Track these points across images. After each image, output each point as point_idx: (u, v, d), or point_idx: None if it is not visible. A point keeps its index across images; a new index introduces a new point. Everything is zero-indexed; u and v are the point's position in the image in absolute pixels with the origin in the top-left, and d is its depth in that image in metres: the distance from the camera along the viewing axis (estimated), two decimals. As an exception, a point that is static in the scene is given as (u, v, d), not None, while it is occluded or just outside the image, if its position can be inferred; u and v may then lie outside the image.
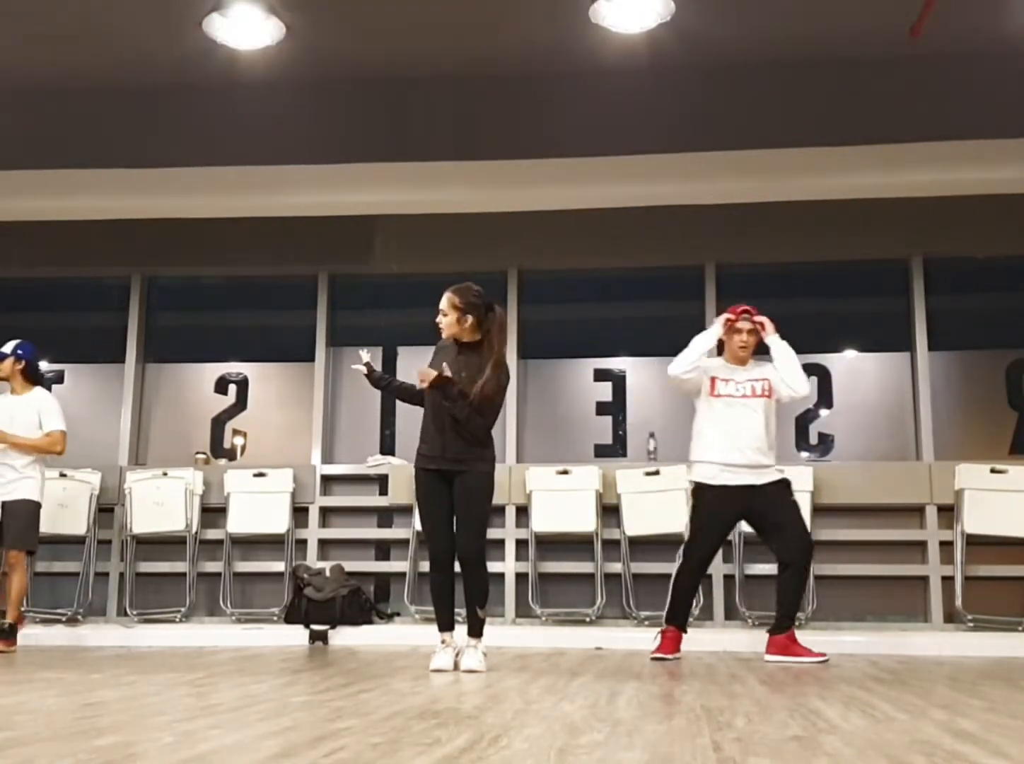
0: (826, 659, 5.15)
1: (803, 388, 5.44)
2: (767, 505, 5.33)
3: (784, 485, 5.39)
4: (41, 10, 6.46)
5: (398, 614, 7.16)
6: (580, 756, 2.25)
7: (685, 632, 5.52)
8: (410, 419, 6.76)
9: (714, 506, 5.36)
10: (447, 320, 4.67)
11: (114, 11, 6.47)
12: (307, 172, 7.34)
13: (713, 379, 5.46)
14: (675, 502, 6.96)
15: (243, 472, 7.46)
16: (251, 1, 6.34)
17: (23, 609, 6.32)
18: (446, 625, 4.60)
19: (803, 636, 6.33)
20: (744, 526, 6.84)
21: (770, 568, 6.96)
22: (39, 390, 6.15)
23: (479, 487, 4.55)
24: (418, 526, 6.96)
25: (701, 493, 5.42)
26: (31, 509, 5.90)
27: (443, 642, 4.57)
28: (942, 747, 2.42)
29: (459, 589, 4.61)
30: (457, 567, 4.58)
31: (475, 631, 4.55)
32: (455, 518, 4.55)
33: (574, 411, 7.91)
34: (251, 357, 8.35)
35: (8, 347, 6.11)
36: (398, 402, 8.02)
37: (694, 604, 5.84)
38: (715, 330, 5.49)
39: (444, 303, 4.68)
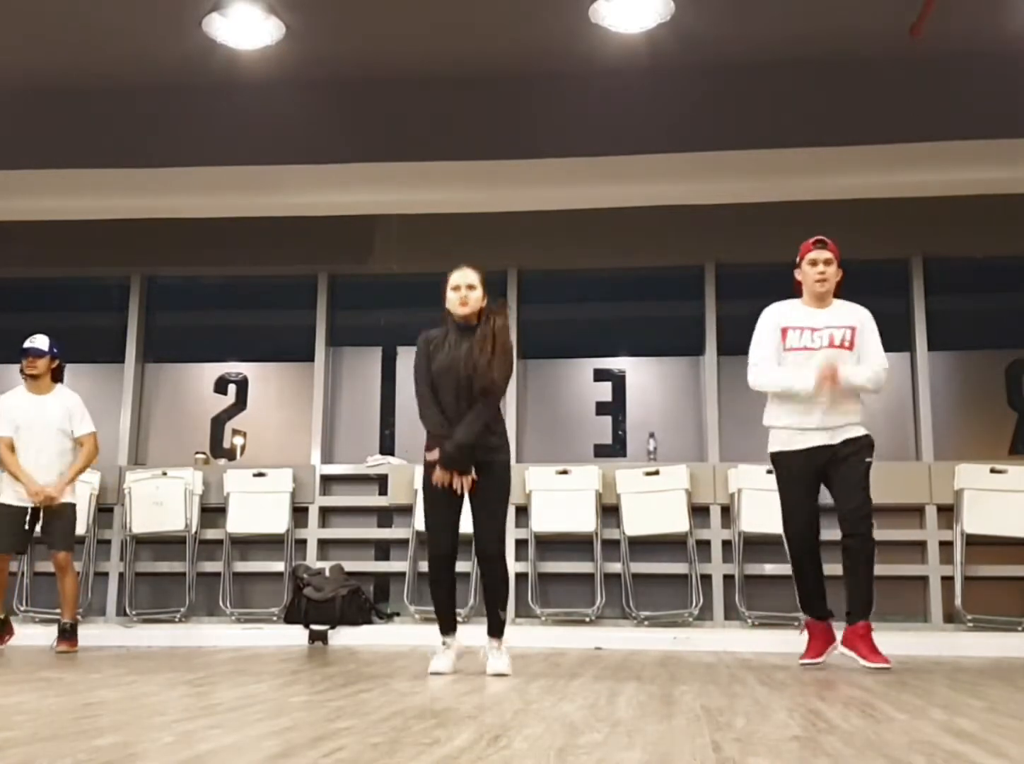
0: (888, 666, 4.57)
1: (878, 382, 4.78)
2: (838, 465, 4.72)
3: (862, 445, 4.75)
4: (41, 10, 6.47)
5: (398, 614, 7.16)
6: (580, 756, 2.25)
7: (830, 618, 4.93)
8: (410, 418, 6.77)
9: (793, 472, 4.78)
10: (476, 295, 4.37)
11: (114, 11, 6.47)
12: (307, 172, 7.35)
13: (784, 330, 4.75)
14: (675, 502, 6.97)
15: (243, 472, 7.46)
16: (251, 1, 6.35)
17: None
18: (449, 628, 4.48)
19: (804, 636, 6.35)
20: (744, 526, 6.87)
21: (771, 568, 6.99)
22: (65, 389, 6.06)
23: (502, 479, 4.36)
24: (419, 526, 6.96)
25: (777, 461, 4.88)
26: (73, 511, 5.92)
27: (444, 644, 4.46)
28: (942, 747, 2.42)
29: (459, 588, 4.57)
30: (460, 566, 4.51)
31: (497, 631, 4.42)
32: (475, 512, 4.34)
33: (574, 411, 7.92)
34: (251, 357, 8.35)
35: (43, 343, 5.95)
36: (398, 401, 8.07)
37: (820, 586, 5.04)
38: (805, 385, 4.67)
39: (474, 277, 4.40)
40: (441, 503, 4.33)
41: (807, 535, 4.82)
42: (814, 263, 4.75)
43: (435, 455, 4.28)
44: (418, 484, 7.07)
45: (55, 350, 5.97)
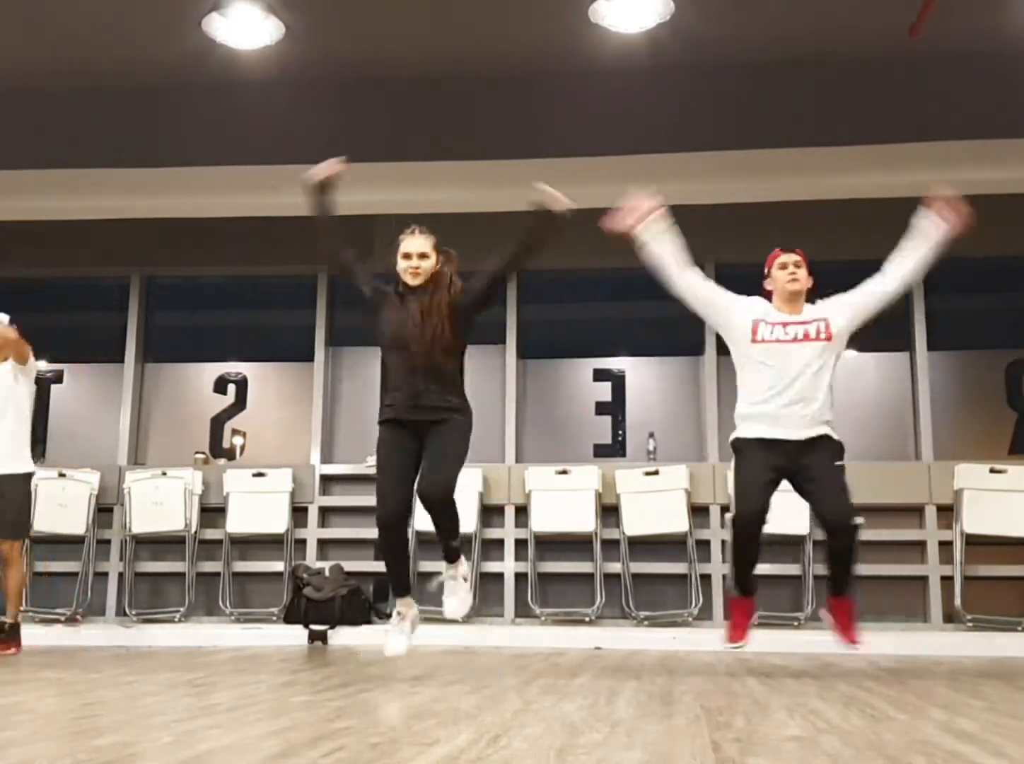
0: (856, 648, 4.54)
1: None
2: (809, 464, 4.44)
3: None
4: (41, 10, 6.46)
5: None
6: (579, 756, 2.25)
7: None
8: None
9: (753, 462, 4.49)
10: (428, 264, 4.22)
11: (114, 11, 6.47)
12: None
13: (756, 323, 4.52)
14: (674, 502, 6.97)
15: (242, 472, 7.46)
16: (251, 1, 6.34)
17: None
18: (404, 588, 4.28)
19: (803, 636, 6.36)
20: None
21: (771, 568, 6.98)
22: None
23: (459, 432, 4.16)
24: (419, 526, 6.95)
25: (737, 448, 4.60)
26: (24, 487, 5.40)
27: (399, 614, 4.27)
28: (942, 747, 2.42)
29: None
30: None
31: (453, 556, 4.29)
32: (424, 463, 4.16)
33: (573, 411, 7.91)
34: (250, 357, 8.36)
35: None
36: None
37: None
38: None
39: (426, 244, 4.24)
40: (397, 460, 4.22)
41: (756, 521, 4.43)
42: (784, 266, 4.60)
43: (383, 410, 4.24)
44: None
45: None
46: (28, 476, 5.49)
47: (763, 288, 4.72)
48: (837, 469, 4.41)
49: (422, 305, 4.17)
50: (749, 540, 4.47)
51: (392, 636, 4.22)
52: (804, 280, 4.59)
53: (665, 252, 4.72)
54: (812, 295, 4.70)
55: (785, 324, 4.51)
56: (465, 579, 4.28)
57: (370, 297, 4.31)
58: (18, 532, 5.45)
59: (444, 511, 4.19)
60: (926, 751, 2.35)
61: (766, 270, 4.71)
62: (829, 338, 4.48)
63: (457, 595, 4.18)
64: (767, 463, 4.38)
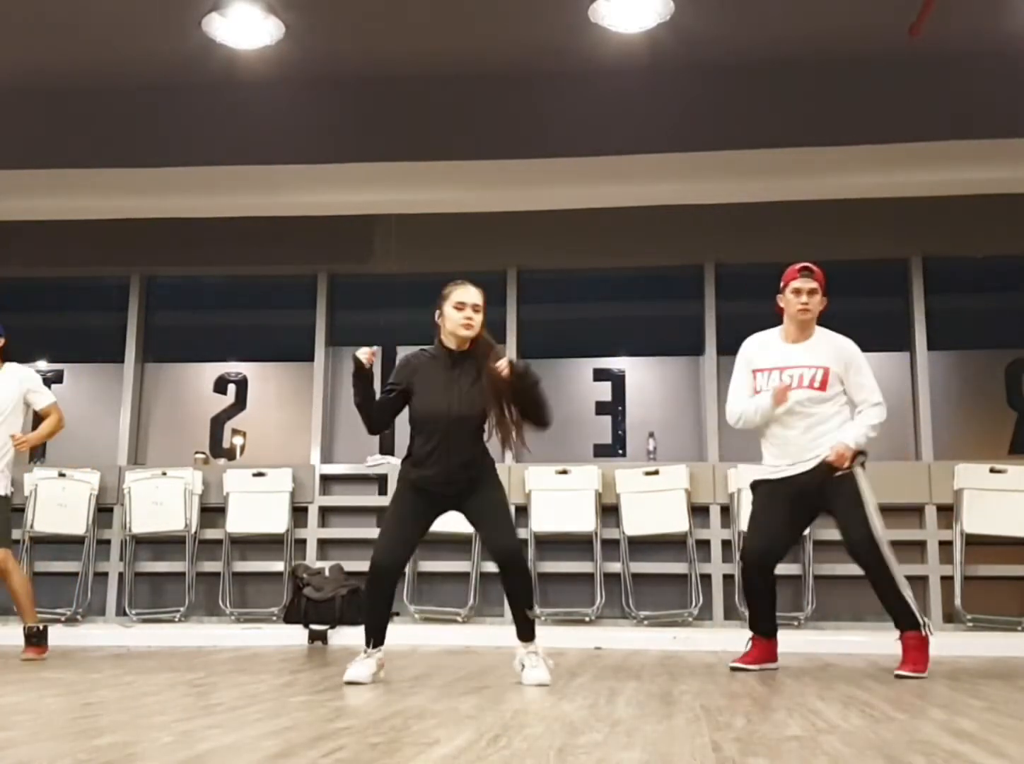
0: (910, 674, 4.25)
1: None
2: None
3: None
4: (40, 10, 6.46)
5: (397, 614, 7.14)
6: (580, 756, 2.25)
7: (774, 636, 4.70)
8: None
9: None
10: (480, 319, 4.06)
11: (114, 11, 6.47)
12: (307, 172, 7.34)
13: (755, 374, 4.60)
14: (674, 502, 6.97)
15: (242, 472, 7.46)
16: (251, 1, 6.34)
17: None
18: (379, 639, 4.06)
19: (803, 636, 6.35)
20: (744, 526, 6.85)
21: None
22: (15, 365, 5.59)
23: (499, 487, 4.13)
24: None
25: (754, 488, 4.73)
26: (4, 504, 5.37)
27: (366, 653, 4.04)
28: (941, 747, 2.42)
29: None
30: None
31: (529, 634, 4.09)
32: (480, 520, 4.09)
33: (574, 411, 7.91)
34: (250, 357, 8.36)
35: None
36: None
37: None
38: (765, 404, 4.53)
39: (480, 298, 4.08)
40: (410, 520, 4.06)
41: (760, 559, 4.55)
42: (798, 293, 4.52)
43: (411, 471, 4.07)
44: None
45: (0, 329, 5.52)
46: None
47: (776, 303, 4.68)
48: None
49: (468, 377, 4.04)
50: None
51: (358, 665, 3.98)
52: (816, 308, 4.56)
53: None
54: (821, 318, 4.66)
55: (783, 370, 4.53)
56: (539, 653, 4.06)
57: (406, 388, 4.10)
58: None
59: (524, 573, 4.11)
60: (926, 751, 2.36)
61: (781, 285, 4.64)
62: (823, 388, 4.48)
63: (539, 668, 3.98)
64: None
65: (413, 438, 4.11)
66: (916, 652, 4.32)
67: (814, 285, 4.53)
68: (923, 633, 4.35)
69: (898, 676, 4.21)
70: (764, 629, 4.64)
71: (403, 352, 8.17)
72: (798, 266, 4.59)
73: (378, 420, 4.13)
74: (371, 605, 4.09)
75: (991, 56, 6.67)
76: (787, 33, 6.68)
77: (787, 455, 4.53)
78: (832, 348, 4.55)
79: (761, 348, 4.64)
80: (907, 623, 4.37)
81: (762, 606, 4.65)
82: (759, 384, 4.55)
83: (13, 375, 5.52)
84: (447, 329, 4.09)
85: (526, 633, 4.07)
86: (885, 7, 6.34)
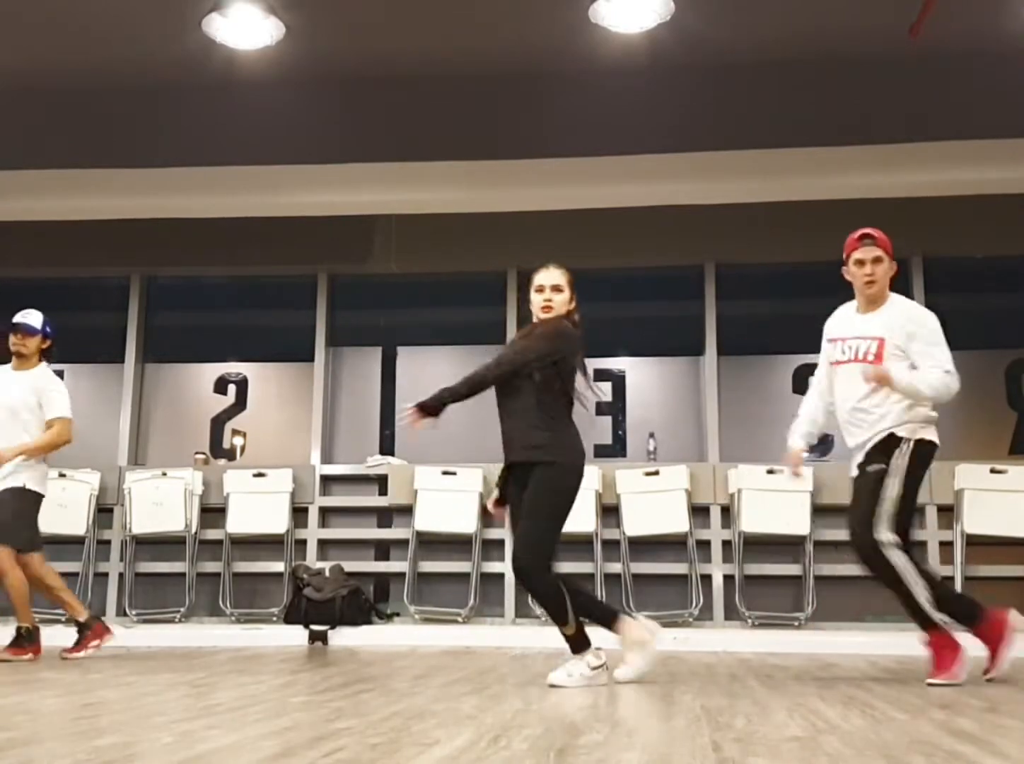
0: (941, 682, 3.94)
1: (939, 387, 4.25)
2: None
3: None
4: (40, 10, 6.47)
5: (397, 614, 7.16)
6: (580, 756, 2.25)
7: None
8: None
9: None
10: (562, 298, 4.02)
11: (114, 11, 6.47)
12: (307, 172, 7.35)
13: (830, 343, 4.40)
14: (675, 502, 6.97)
15: (242, 472, 7.46)
16: (251, 1, 6.34)
17: None
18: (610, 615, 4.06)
19: (803, 636, 6.35)
20: (744, 526, 6.85)
21: (771, 568, 6.98)
22: (43, 368, 5.38)
23: (543, 485, 3.88)
24: (419, 526, 6.98)
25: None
26: (13, 497, 5.14)
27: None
28: (942, 747, 2.42)
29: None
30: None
31: (573, 648, 3.95)
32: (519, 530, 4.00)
33: (573, 411, 7.90)
34: (250, 357, 8.36)
35: (35, 320, 5.37)
36: (398, 401, 8.07)
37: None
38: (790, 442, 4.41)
39: (561, 278, 4.04)
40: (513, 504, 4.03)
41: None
42: (861, 263, 4.22)
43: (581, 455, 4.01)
44: (419, 484, 7.07)
45: (47, 330, 5.37)
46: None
47: (842, 277, 4.42)
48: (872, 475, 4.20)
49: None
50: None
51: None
52: (883, 277, 4.23)
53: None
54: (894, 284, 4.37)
55: (844, 341, 4.31)
56: (592, 667, 3.87)
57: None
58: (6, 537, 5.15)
59: (528, 588, 3.96)
60: (926, 751, 2.35)
61: (844, 256, 4.34)
62: (878, 360, 4.17)
63: (560, 669, 3.85)
64: None
65: (565, 415, 4.01)
66: (941, 656, 4.00)
67: (878, 252, 4.22)
68: (948, 634, 4.04)
69: (930, 684, 3.93)
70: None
71: (403, 352, 8.30)
72: (858, 234, 4.29)
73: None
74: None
75: (991, 56, 6.67)
76: (787, 33, 6.68)
77: (853, 436, 4.28)
78: (899, 318, 4.21)
79: (837, 318, 4.43)
80: (923, 624, 4.06)
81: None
82: (832, 355, 4.34)
83: (36, 377, 5.32)
84: (535, 314, 4.07)
85: (572, 646, 3.93)
86: (885, 7, 6.35)
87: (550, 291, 4.01)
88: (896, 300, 4.30)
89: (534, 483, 3.88)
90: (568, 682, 3.81)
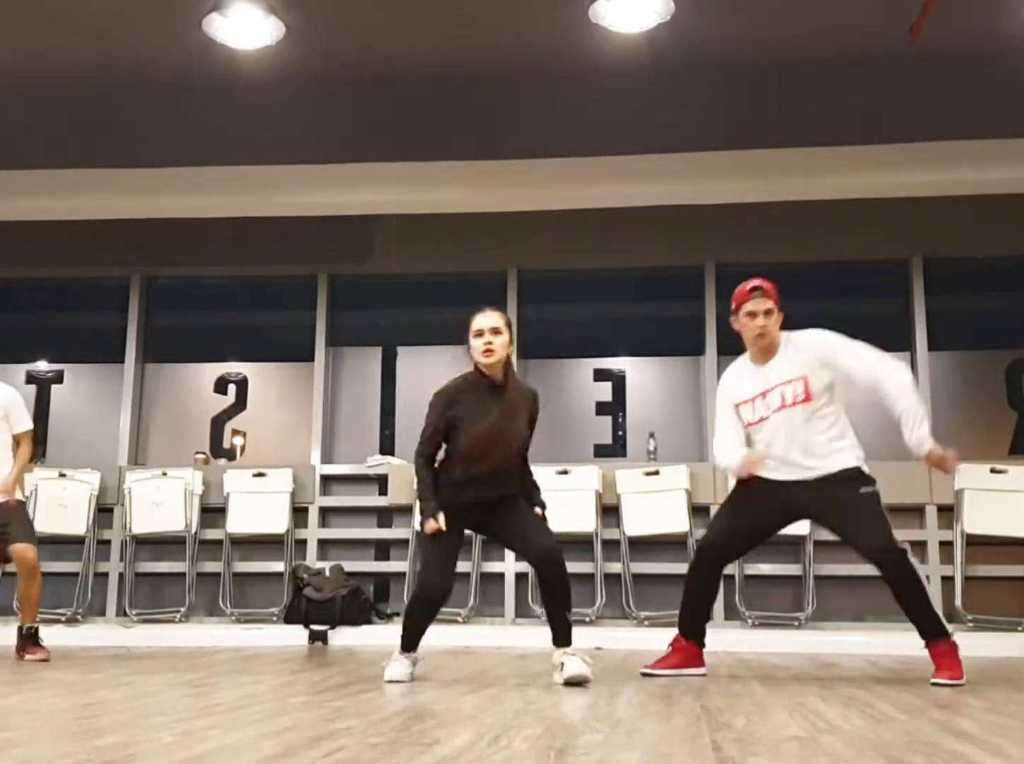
0: (947, 682, 4.00)
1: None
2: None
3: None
4: (40, 10, 6.46)
5: (397, 614, 7.15)
6: (580, 756, 2.25)
7: (701, 645, 4.58)
8: (411, 420, 6.77)
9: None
10: (502, 341, 3.99)
11: (114, 11, 6.47)
12: (307, 172, 7.35)
13: (737, 407, 4.40)
14: (675, 502, 6.97)
15: (243, 472, 7.46)
16: (251, 1, 6.34)
17: None
18: (413, 647, 4.09)
19: (803, 636, 6.35)
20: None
21: (771, 568, 6.99)
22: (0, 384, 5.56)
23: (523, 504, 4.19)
24: (418, 526, 6.94)
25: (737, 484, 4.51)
26: (25, 508, 5.53)
27: (404, 654, 4.09)
28: (942, 747, 2.42)
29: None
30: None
31: (567, 638, 4.03)
32: (516, 528, 4.07)
33: (574, 411, 7.91)
34: (251, 357, 8.36)
35: None
36: (398, 401, 8.08)
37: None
38: (730, 462, 4.40)
39: (498, 320, 4.02)
40: (452, 540, 4.05)
41: (714, 553, 4.47)
42: (752, 315, 4.27)
43: (451, 495, 4.04)
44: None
45: None
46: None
47: (731, 325, 4.44)
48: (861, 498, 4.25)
49: (504, 410, 4.06)
50: None
51: (396, 664, 4.03)
52: (774, 328, 4.30)
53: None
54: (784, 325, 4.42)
55: (764, 394, 4.31)
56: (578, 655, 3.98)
57: (450, 420, 4.03)
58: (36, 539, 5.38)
59: (564, 575, 4.04)
60: (926, 751, 2.35)
61: (733, 306, 4.38)
62: (808, 398, 4.23)
63: (577, 660, 3.93)
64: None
65: (453, 463, 4.05)
66: (950, 659, 4.07)
67: (769, 304, 4.28)
68: (952, 640, 4.13)
69: (935, 684, 3.97)
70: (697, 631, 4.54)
71: (403, 352, 8.29)
72: (748, 286, 4.33)
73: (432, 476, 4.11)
74: (417, 622, 4.08)
75: (991, 56, 6.67)
76: (787, 33, 6.68)
77: (796, 472, 4.29)
78: (805, 354, 4.28)
79: (736, 379, 4.44)
80: (936, 631, 4.12)
81: (706, 605, 4.61)
82: (745, 416, 4.38)
83: (4, 389, 5.47)
84: (474, 358, 4.07)
85: (564, 637, 4.02)
86: (885, 7, 6.35)
87: (489, 334, 3.98)
88: (790, 339, 4.34)
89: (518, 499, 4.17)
90: (590, 671, 3.90)
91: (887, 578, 4.14)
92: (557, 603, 4.05)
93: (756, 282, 4.33)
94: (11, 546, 5.21)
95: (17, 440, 5.46)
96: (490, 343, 3.96)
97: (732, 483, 4.58)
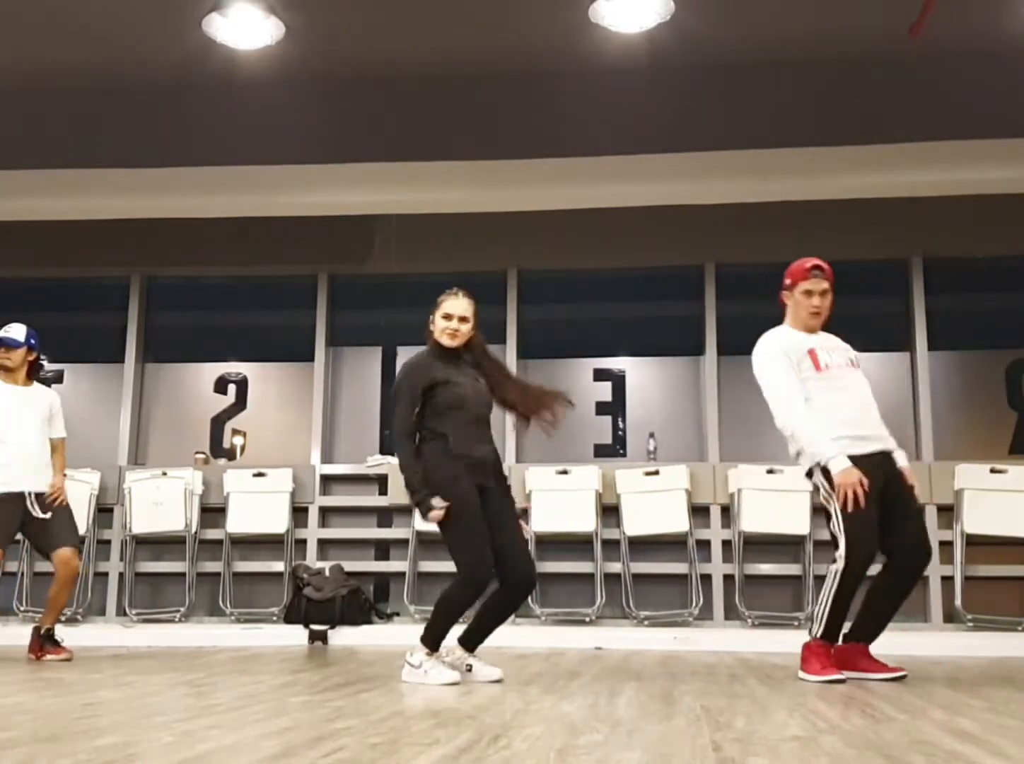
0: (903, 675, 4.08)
1: None
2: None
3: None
4: (40, 11, 6.46)
5: (397, 614, 7.16)
6: (580, 756, 2.25)
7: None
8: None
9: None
10: (467, 329, 4.13)
11: (114, 11, 6.47)
12: (307, 172, 7.35)
13: (812, 352, 4.20)
14: (675, 502, 6.97)
15: (242, 472, 7.46)
16: (251, 1, 6.34)
17: None
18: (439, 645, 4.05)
19: (803, 636, 6.34)
20: (744, 526, 6.85)
21: (771, 568, 6.99)
22: (44, 387, 5.59)
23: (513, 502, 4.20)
24: (418, 526, 6.95)
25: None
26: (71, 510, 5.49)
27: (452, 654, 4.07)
28: (942, 747, 2.42)
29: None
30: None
31: (479, 644, 4.15)
32: (514, 540, 4.04)
33: (574, 411, 7.90)
34: (251, 357, 8.36)
35: (19, 333, 5.42)
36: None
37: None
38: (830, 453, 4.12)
39: (468, 309, 4.15)
40: (480, 521, 3.96)
41: (872, 560, 4.20)
42: (809, 294, 4.21)
43: (462, 458, 4.01)
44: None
45: (32, 342, 5.42)
46: None
47: (779, 298, 4.38)
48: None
49: (480, 369, 4.18)
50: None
51: (445, 669, 3.94)
52: (827, 312, 4.28)
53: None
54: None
55: (830, 350, 4.28)
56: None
57: (430, 382, 4.07)
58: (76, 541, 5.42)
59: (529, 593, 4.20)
60: (926, 751, 2.35)
61: (788, 282, 4.29)
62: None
63: (491, 666, 4.06)
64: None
65: (446, 428, 4.02)
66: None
67: (825, 285, 4.22)
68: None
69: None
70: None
71: (404, 352, 8.27)
72: (808, 264, 4.25)
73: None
74: (461, 613, 4.04)
75: (991, 56, 6.67)
76: (787, 33, 6.68)
77: (862, 426, 4.18)
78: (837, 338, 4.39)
79: (796, 337, 4.27)
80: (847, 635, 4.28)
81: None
82: (822, 359, 4.19)
83: (46, 396, 5.53)
84: (435, 335, 4.18)
85: (478, 643, 4.14)
86: (885, 7, 6.35)
87: (458, 322, 4.12)
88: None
89: (508, 496, 4.17)
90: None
91: (912, 575, 4.25)
92: (501, 619, 4.13)
93: (816, 261, 4.27)
94: (57, 551, 5.22)
95: (53, 446, 5.48)
96: (456, 330, 4.12)
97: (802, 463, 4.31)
